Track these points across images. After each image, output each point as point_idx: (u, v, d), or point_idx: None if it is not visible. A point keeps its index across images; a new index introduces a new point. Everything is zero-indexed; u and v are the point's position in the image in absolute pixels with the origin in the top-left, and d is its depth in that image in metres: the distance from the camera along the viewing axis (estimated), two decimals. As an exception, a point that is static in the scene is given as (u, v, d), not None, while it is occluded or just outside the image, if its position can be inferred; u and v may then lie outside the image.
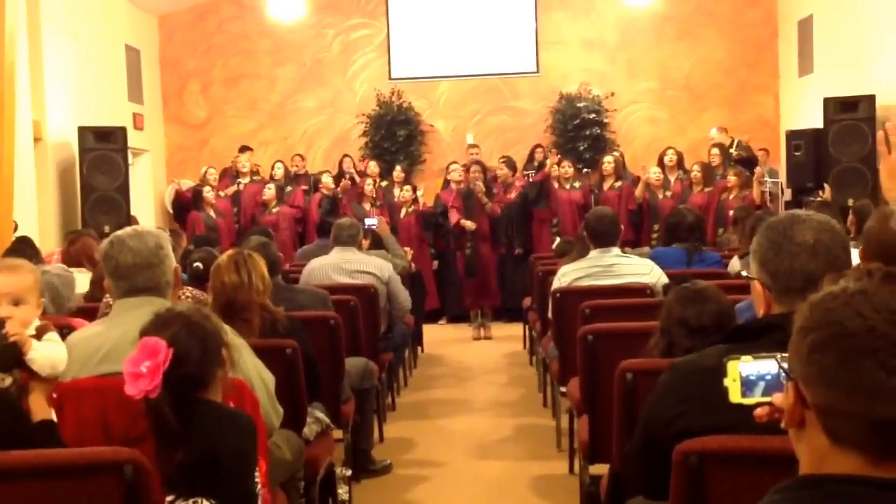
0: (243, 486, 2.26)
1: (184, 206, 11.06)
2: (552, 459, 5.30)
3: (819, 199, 8.72)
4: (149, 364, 2.19)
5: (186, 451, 2.25)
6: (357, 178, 11.08)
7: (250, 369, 2.96)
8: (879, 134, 2.63)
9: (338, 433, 4.40)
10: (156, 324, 2.35)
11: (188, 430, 2.24)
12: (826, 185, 8.61)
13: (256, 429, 2.41)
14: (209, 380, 2.34)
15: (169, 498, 2.25)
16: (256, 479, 2.35)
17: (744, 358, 1.56)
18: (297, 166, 11.58)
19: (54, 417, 2.46)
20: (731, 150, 10.42)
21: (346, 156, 11.58)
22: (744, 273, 2.22)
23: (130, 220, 9.38)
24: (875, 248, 2.77)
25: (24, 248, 5.49)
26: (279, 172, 11.15)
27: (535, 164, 11.21)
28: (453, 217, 10.17)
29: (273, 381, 3.10)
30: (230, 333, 2.54)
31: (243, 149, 11.68)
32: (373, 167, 11.15)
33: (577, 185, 10.55)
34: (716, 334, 2.50)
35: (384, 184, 11.10)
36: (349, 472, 4.70)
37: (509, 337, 9.27)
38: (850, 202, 7.50)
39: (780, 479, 1.25)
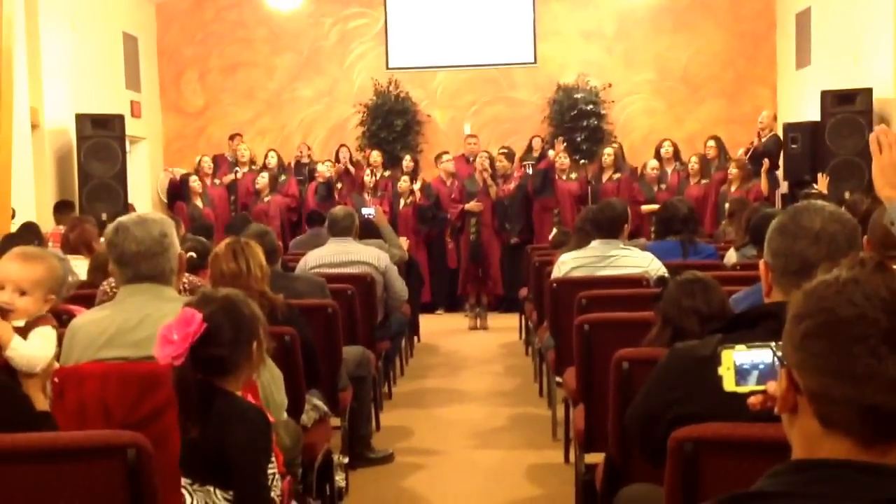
0: (252, 480, 2.29)
1: (178, 195, 11.07)
2: (548, 448, 5.33)
3: (814, 191, 8.75)
4: (180, 332, 2.23)
5: (201, 435, 2.28)
6: (352, 169, 11.10)
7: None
8: (871, 135, 2.67)
9: (335, 421, 4.43)
10: (199, 299, 2.42)
11: (205, 414, 2.28)
12: (819, 177, 8.62)
13: (269, 423, 2.43)
14: (234, 367, 2.37)
15: (185, 481, 2.29)
16: (272, 470, 2.37)
17: (738, 347, 1.58)
18: (301, 154, 11.57)
19: (48, 408, 2.49)
20: (762, 140, 10.36)
21: (342, 146, 11.60)
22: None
23: (128, 208, 9.39)
24: (877, 239, 2.82)
25: (27, 235, 5.49)
26: (272, 161, 11.15)
27: (535, 154, 11.23)
28: (454, 210, 10.21)
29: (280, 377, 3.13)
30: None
31: (233, 136, 11.70)
32: (375, 156, 11.16)
33: (573, 175, 10.58)
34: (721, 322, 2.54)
35: (387, 173, 11.12)
36: (346, 460, 4.73)
37: (505, 327, 9.30)
38: (847, 195, 7.53)
39: (773, 466, 1.27)
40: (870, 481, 1.17)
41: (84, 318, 2.93)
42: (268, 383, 2.93)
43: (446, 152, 10.97)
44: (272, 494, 2.36)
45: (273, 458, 2.40)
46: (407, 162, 11.08)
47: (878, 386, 1.17)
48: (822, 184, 8.49)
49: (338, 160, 11.20)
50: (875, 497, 1.16)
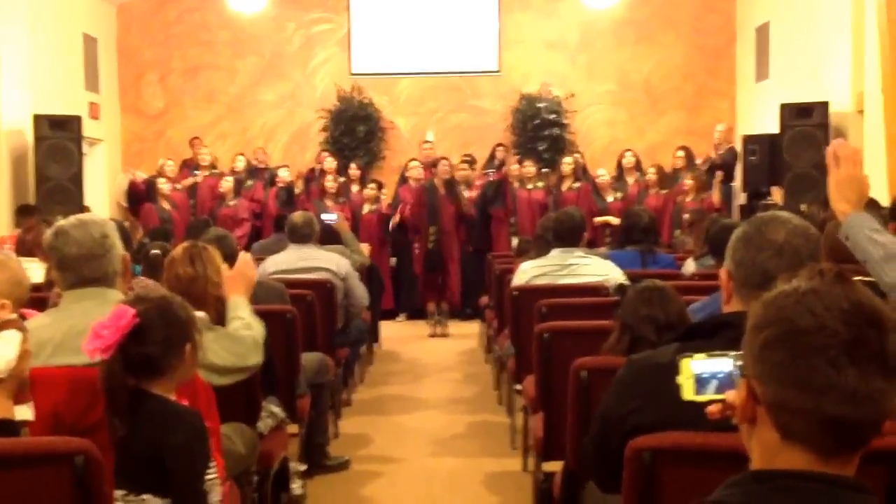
0: (190, 485, 2.24)
1: (138, 197, 10.95)
2: (506, 456, 5.32)
3: (770, 202, 8.85)
4: (111, 327, 2.20)
5: (134, 440, 2.24)
6: (315, 173, 11.06)
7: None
8: (828, 148, 2.69)
9: (293, 428, 4.38)
10: (134, 298, 2.41)
11: (135, 415, 2.24)
12: (773, 190, 8.72)
13: (205, 427, 2.39)
14: (166, 368, 2.33)
15: (120, 492, 2.24)
16: (211, 475, 2.33)
17: (696, 356, 1.58)
18: (258, 160, 11.51)
19: (18, 416, 2.42)
20: (718, 153, 10.44)
21: (323, 150, 11.57)
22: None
23: (83, 211, 9.25)
24: (837, 254, 2.84)
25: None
26: (240, 165, 11.08)
27: (496, 163, 11.25)
28: (397, 216, 10.16)
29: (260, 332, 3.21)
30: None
31: (193, 140, 11.61)
32: (329, 163, 11.08)
33: (539, 184, 10.60)
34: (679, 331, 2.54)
35: (341, 180, 11.08)
36: (303, 467, 4.69)
37: (466, 335, 9.29)
38: (804, 207, 7.62)
39: (731, 476, 1.27)
40: (829, 492, 1.17)
41: (29, 325, 2.86)
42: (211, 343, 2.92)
43: (415, 159, 10.92)
44: (214, 500, 2.32)
45: (213, 464, 2.36)
46: (353, 169, 11.02)
47: (838, 397, 1.16)
48: (776, 196, 8.59)
49: (313, 167, 11.17)
50: (833, 508, 1.16)
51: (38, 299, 4.20)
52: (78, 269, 2.78)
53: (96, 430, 2.32)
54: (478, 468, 5.12)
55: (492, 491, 4.79)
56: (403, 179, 10.58)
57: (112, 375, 2.25)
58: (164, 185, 10.47)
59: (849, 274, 1.23)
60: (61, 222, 2.88)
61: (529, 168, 10.59)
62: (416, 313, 10.29)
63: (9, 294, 2.55)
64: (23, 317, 3.46)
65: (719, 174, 9.90)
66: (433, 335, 9.56)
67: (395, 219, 10.27)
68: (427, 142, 11.42)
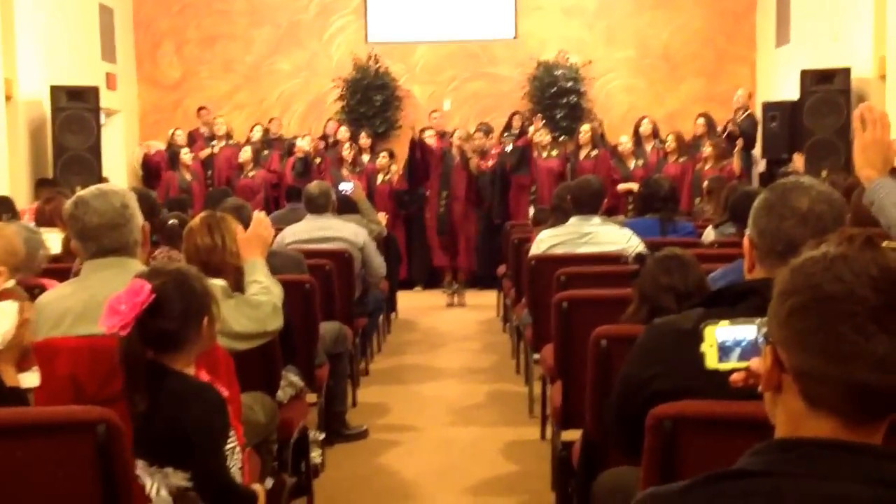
0: (210, 460, 2.25)
1: (152, 171, 10.97)
2: (524, 426, 5.33)
3: (790, 170, 8.76)
4: (128, 303, 2.19)
5: (155, 415, 2.24)
6: (326, 144, 11.03)
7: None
8: (855, 112, 2.65)
9: (312, 397, 4.40)
10: (149, 272, 2.38)
11: (154, 390, 2.25)
12: (795, 156, 8.63)
13: (224, 401, 2.39)
14: (184, 342, 2.33)
15: (140, 463, 2.25)
16: (231, 445, 2.34)
17: (721, 323, 1.56)
18: (270, 130, 11.50)
19: (24, 383, 2.43)
20: (738, 120, 10.31)
21: (330, 119, 11.54)
22: (746, 232, 2.23)
23: (102, 181, 9.27)
24: (863, 220, 2.81)
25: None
26: (257, 135, 11.06)
27: (514, 131, 11.17)
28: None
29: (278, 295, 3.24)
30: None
31: (200, 109, 11.60)
32: (342, 132, 11.05)
33: (553, 153, 10.53)
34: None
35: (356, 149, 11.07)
36: (322, 436, 4.72)
37: (483, 305, 9.29)
38: (824, 174, 7.54)
39: (753, 445, 1.25)
40: (856, 461, 1.16)
41: (49, 296, 2.87)
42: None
43: (430, 127, 10.86)
44: (234, 467, 2.32)
45: (232, 432, 2.36)
46: (363, 139, 11.00)
47: (865, 364, 1.14)
48: (798, 162, 8.50)
49: (325, 134, 11.14)
50: (860, 477, 1.15)
51: (58, 269, 4.23)
52: (98, 238, 2.78)
53: (118, 400, 2.32)
54: (496, 437, 5.14)
55: (510, 459, 4.81)
56: (413, 150, 10.43)
57: (130, 351, 2.24)
58: (185, 156, 10.51)
59: (878, 239, 1.21)
60: (81, 192, 2.88)
61: (545, 136, 10.51)
62: (433, 282, 10.29)
63: (3, 262, 2.56)
64: (43, 287, 3.48)
65: (740, 142, 9.80)
66: (450, 304, 9.57)
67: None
68: (436, 111, 11.33)
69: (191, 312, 2.33)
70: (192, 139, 11.30)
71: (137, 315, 2.20)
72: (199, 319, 2.35)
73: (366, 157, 10.89)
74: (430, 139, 10.41)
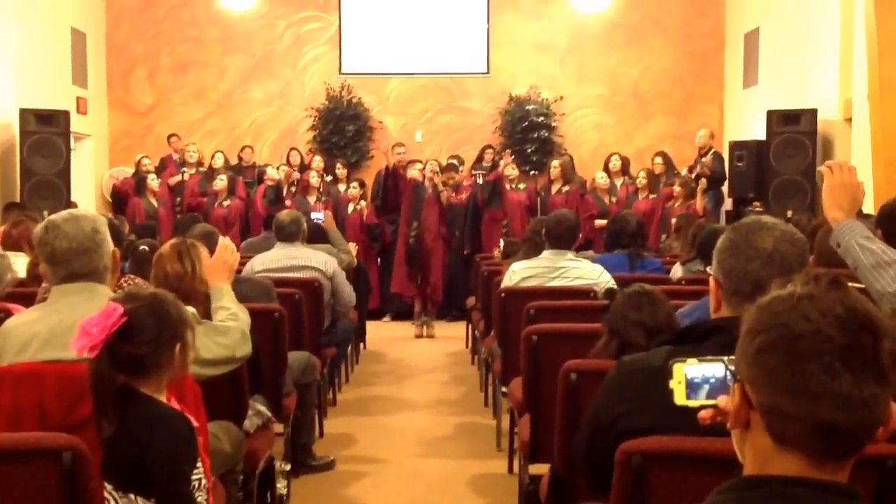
0: (174, 489, 2.22)
1: (121, 199, 10.89)
2: (492, 458, 5.32)
3: (757, 209, 8.87)
4: (99, 325, 2.18)
5: (120, 441, 2.22)
6: (299, 174, 11.01)
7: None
8: (821, 167, 2.73)
9: (278, 427, 4.37)
10: (125, 296, 2.38)
11: (122, 415, 2.22)
12: (756, 204, 8.73)
13: (193, 430, 2.37)
14: (154, 368, 2.31)
15: (109, 487, 2.22)
16: (197, 476, 2.31)
17: (689, 361, 1.58)
18: (243, 159, 11.47)
19: None
20: (703, 160, 10.41)
21: (293, 149, 11.54)
22: (709, 270, 2.26)
23: (70, 206, 9.20)
24: (826, 260, 2.86)
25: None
26: (219, 162, 10.97)
27: (486, 164, 11.22)
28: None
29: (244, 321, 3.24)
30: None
31: (171, 136, 11.55)
32: (317, 162, 11.05)
33: (521, 186, 10.61)
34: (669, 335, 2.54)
35: (328, 179, 11.06)
36: (288, 467, 4.68)
37: (452, 336, 9.28)
38: (790, 214, 7.65)
39: (722, 481, 1.27)
40: (823, 499, 1.17)
41: (16, 321, 2.84)
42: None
43: (413, 161, 10.84)
44: (200, 500, 2.30)
45: (199, 464, 2.34)
46: (340, 169, 11.02)
47: (832, 403, 1.17)
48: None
49: (288, 164, 11.13)
50: (827, 515, 1.16)
51: (23, 294, 4.18)
52: (68, 263, 2.76)
53: (84, 427, 2.30)
54: (463, 470, 5.12)
55: (477, 492, 4.79)
56: (384, 180, 10.35)
57: (99, 374, 2.22)
58: (153, 182, 10.42)
59: (843, 279, 1.23)
60: (52, 217, 2.86)
61: (513, 170, 10.58)
62: (402, 314, 10.27)
63: None
64: (8, 311, 3.45)
65: (703, 182, 9.91)
66: (419, 336, 9.55)
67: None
68: (400, 145, 11.28)
69: (163, 338, 2.31)
70: (164, 165, 11.25)
71: (106, 337, 2.18)
72: (171, 346, 2.33)
73: (342, 187, 10.86)
74: (415, 171, 10.33)
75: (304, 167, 11.14)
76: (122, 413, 2.23)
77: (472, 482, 4.93)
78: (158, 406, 2.31)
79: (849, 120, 8.44)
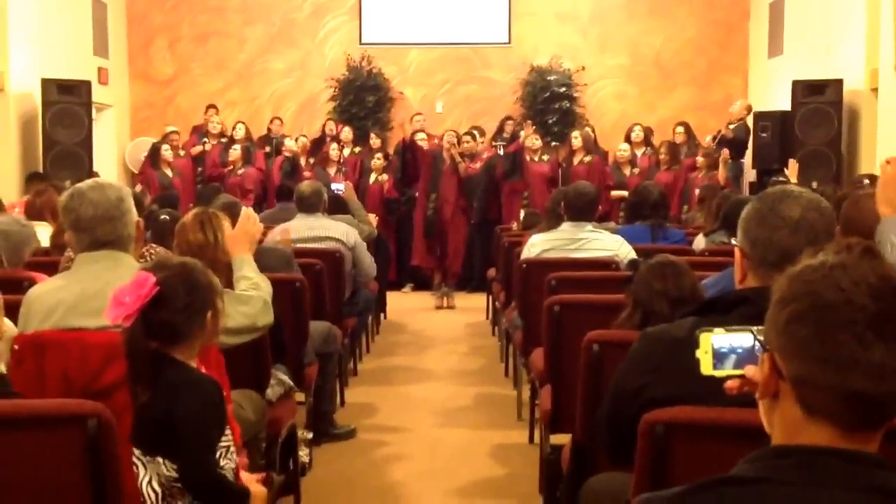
0: (195, 452, 2.23)
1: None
2: (512, 429, 5.33)
3: (781, 179, 8.78)
4: (132, 295, 2.20)
5: (151, 403, 2.24)
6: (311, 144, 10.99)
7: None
8: (880, 164, 2.75)
9: (300, 396, 4.40)
10: (155, 264, 2.39)
11: (155, 381, 2.25)
12: (791, 162, 8.61)
13: (223, 397, 2.39)
14: (187, 335, 2.33)
15: (137, 452, 2.25)
16: (226, 444, 2.32)
17: (716, 330, 1.56)
18: (272, 130, 11.43)
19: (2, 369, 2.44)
20: (731, 126, 10.27)
21: (329, 119, 11.54)
22: (733, 241, 2.24)
23: (92, 176, 9.23)
24: (853, 230, 2.84)
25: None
26: (240, 133, 10.98)
27: (506, 135, 11.17)
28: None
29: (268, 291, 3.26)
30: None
31: (209, 107, 11.54)
32: (346, 133, 11.04)
33: (545, 157, 10.55)
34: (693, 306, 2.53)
35: (357, 150, 11.04)
36: (310, 435, 4.71)
37: (472, 307, 9.29)
38: (814, 185, 7.58)
39: (746, 452, 1.26)
40: (851, 469, 1.16)
41: (40, 289, 2.86)
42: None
43: (421, 130, 10.83)
44: (228, 467, 2.31)
45: (229, 431, 2.36)
46: (374, 139, 11.01)
47: (863, 373, 1.15)
48: (792, 170, 8.50)
49: (323, 134, 11.11)
50: (855, 485, 1.15)
51: (45, 263, 4.22)
52: (93, 230, 2.78)
53: (109, 394, 2.32)
54: (484, 440, 5.14)
55: (498, 462, 4.81)
56: (402, 153, 10.35)
57: (134, 342, 2.25)
58: (166, 153, 10.38)
59: (876, 248, 1.21)
60: (78, 184, 2.88)
61: (536, 141, 10.52)
62: (422, 285, 10.28)
63: None
64: (32, 280, 3.47)
65: (725, 152, 9.81)
66: (439, 307, 9.56)
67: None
68: (419, 114, 11.27)
69: (195, 306, 2.34)
70: (195, 134, 11.25)
71: (141, 307, 2.21)
72: (203, 313, 2.36)
73: (377, 159, 10.78)
74: (423, 142, 10.38)
75: (336, 138, 11.10)
76: (155, 379, 2.26)
77: (493, 452, 4.95)
78: (190, 371, 2.34)
79: (875, 90, 8.33)
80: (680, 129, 10.53)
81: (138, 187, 9.60)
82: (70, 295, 2.74)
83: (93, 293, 2.70)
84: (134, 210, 2.89)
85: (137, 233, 2.91)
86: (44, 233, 5.02)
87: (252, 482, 2.45)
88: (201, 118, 11.48)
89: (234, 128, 11.01)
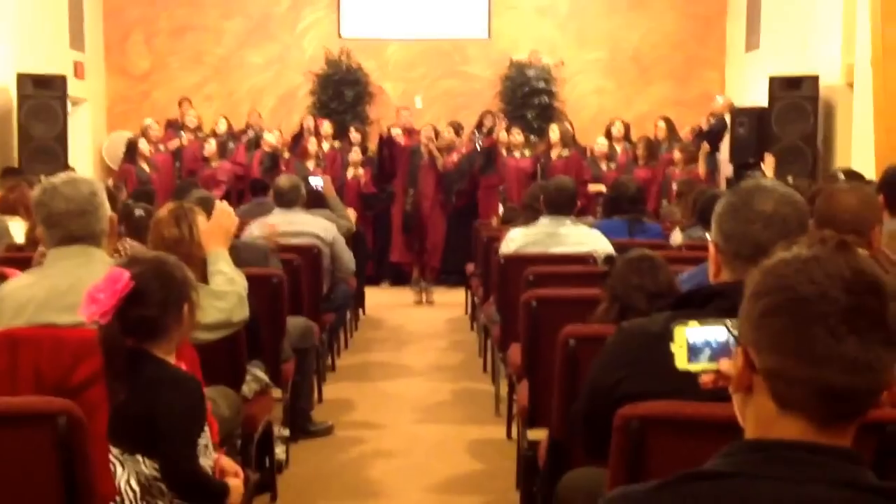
0: (178, 449, 2.22)
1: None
2: (490, 424, 5.33)
3: (757, 174, 8.82)
4: (107, 291, 2.17)
5: (131, 401, 2.22)
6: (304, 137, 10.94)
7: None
8: None
9: (277, 392, 4.37)
10: (128, 260, 2.39)
11: (134, 378, 2.22)
12: (766, 156, 8.64)
13: (203, 394, 2.37)
14: (164, 330, 2.31)
15: (114, 451, 2.22)
16: (204, 441, 2.31)
17: (691, 324, 1.56)
18: (251, 123, 11.35)
19: None
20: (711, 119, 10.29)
21: (309, 114, 11.49)
22: (708, 235, 2.24)
23: (67, 171, 9.13)
24: (826, 225, 2.83)
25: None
26: (222, 127, 10.94)
27: (485, 130, 11.17)
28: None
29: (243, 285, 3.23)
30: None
31: (182, 101, 11.44)
32: (326, 127, 11.00)
33: (526, 153, 10.55)
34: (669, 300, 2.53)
35: (337, 144, 11.00)
36: (287, 432, 4.69)
37: (451, 303, 9.28)
38: (790, 179, 7.61)
39: (721, 446, 1.25)
40: (824, 463, 1.16)
41: (12, 285, 2.83)
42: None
43: (394, 126, 10.82)
44: (206, 465, 2.30)
45: (207, 429, 2.34)
46: (353, 134, 10.98)
47: (837, 366, 1.15)
48: (768, 164, 8.54)
49: (301, 127, 11.06)
50: (829, 479, 1.15)
51: (20, 259, 4.17)
52: (65, 225, 2.74)
53: (82, 391, 2.29)
54: (461, 435, 5.13)
55: (475, 458, 4.80)
56: (381, 147, 10.34)
57: (110, 339, 2.22)
58: (144, 147, 10.30)
59: (851, 242, 1.21)
60: (50, 179, 2.84)
61: (517, 136, 10.53)
62: (401, 280, 10.26)
63: None
64: (4, 275, 3.43)
65: (705, 146, 9.85)
66: (418, 302, 9.55)
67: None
68: (405, 108, 11.31)
69: (171, 300, 2.32)
70: (170, 129, 11.17)
71: (117, 303, 2.18)
72: (179, 307, 2.34)
73: (355, 153, 10.72)
74: (399, 137, 10.37)
75: (315, 132, 11.04)
76: (133, 376, 2.24)
77: (471, 447, 4.94)
78: (168, 367, 2.33)
79: (851, 85, 8.37)
80: (661, 123, 10.55)
81: (110, 181, 9.51)
82: (41, 291, 2.71)
83: (65, 288, 2.67)
84: (107, 205, 2.86)
85: (111, 227, 2.88)
86: (17, 228, 4.97)
87: (229, 475, 2.43)
88: (177, 112, 11.39)
89: (216, 123, 10.96)
